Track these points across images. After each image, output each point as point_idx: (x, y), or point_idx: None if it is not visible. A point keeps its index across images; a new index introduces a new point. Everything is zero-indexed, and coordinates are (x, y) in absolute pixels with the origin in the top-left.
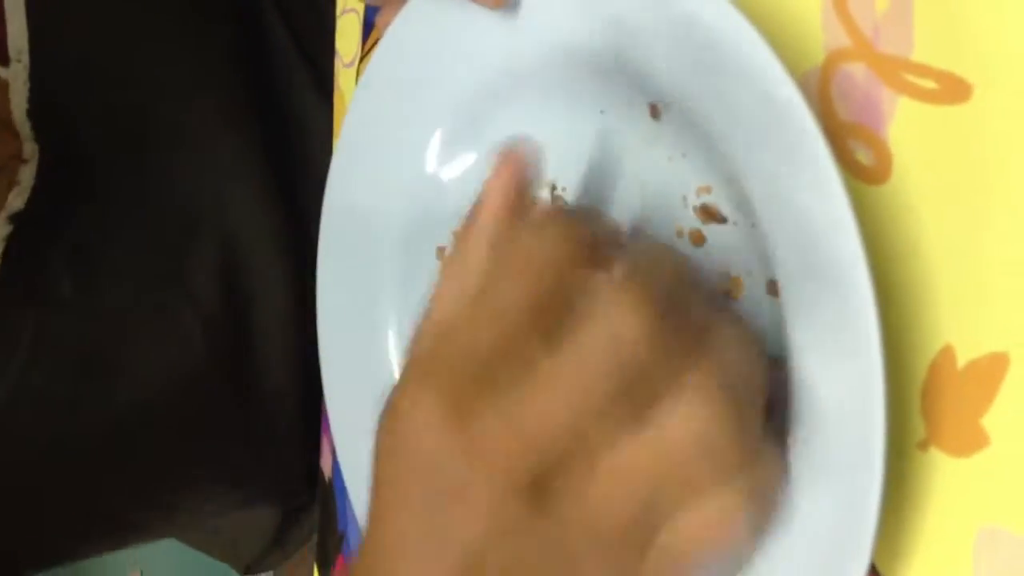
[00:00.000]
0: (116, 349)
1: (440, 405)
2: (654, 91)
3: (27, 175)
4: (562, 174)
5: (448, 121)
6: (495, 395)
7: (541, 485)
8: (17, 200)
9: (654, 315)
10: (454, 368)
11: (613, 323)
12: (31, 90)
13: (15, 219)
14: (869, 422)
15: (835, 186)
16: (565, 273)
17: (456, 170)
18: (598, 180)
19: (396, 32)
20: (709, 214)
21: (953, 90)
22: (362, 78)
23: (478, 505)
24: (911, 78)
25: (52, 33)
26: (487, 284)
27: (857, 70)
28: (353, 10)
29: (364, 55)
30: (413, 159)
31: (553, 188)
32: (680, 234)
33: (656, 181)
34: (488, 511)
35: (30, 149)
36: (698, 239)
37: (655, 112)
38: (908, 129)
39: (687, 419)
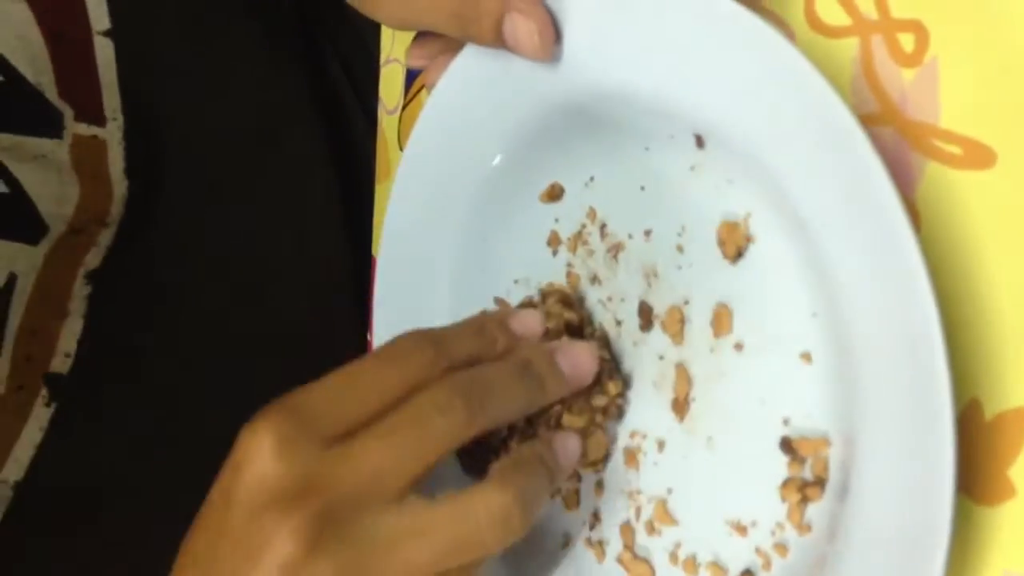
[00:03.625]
0: (197, 396)
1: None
2: (698, 122)
3: (106, 237)
4: (611, 212)
5: (496, 172)
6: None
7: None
8: (95, 260)
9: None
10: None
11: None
12: (126, 148)
13: (91, 277)
14: (937, 489)
15: (907, 239)
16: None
17: (504, 219)
18: (644, 214)
19: (444, 86)
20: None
21: (979, 156)
22: (414, 129)
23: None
24: (938, 143)
25: (145, 91)
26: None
27: (885, 134)
28: (396, 60)
29: (407, 103)
30: (464, 210)
31: (603, 227)
32: (725, 249)
33: (703, 208)
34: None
35: (116, 212)
36: (735, 257)
37: (700, 142)
38: (935, 192)
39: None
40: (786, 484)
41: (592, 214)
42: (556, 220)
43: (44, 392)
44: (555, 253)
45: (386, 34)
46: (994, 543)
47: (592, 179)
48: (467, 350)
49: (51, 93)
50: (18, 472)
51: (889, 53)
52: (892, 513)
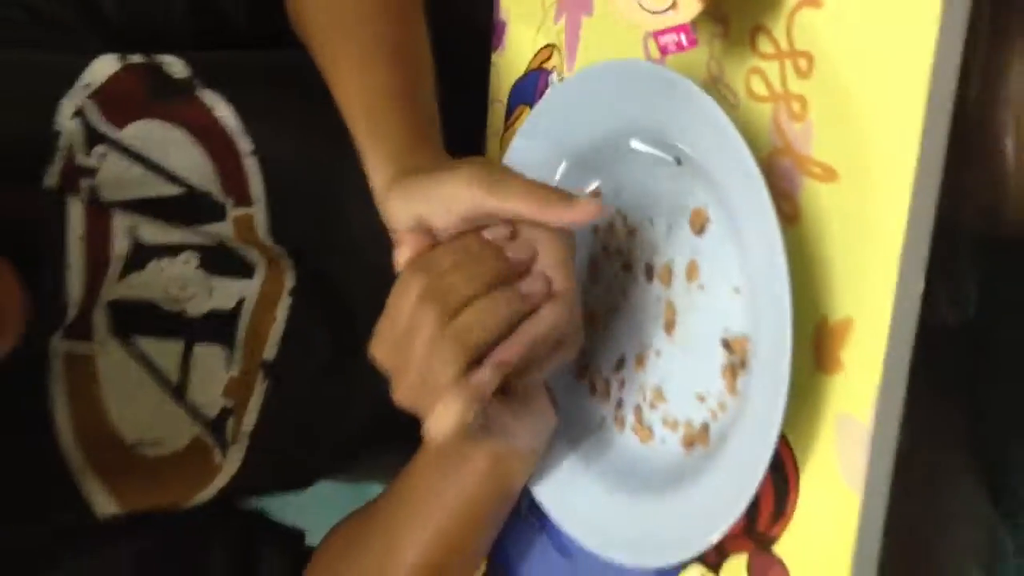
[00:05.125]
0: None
1: None
2: (676, 151)
3: (290, 269)
4: (628, 209)
5: (559, 182)
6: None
7: None
8: (291, 282)
9: None
10: None
11: None
12: (269, 219)
13: (292, 293)
14: (781, 359)
15: (773, 224)
16: None
17: None
18: (647, 209)
19: (529, 126)
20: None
21: (829, 174)
22: (507, 152)
23: None
24: (810, 166)
25: (284, 180)
26: None
27: (784, 161)
28: (499, 101)
29: (506, 130)
30: None
31: (624, 218)
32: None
33: (681, 202)
34: None
35: (290, 270)
36: (699, 228)
37: (679, 162)
38: (809, 195)
39: None
40: (725, 368)
41: (619, 209)
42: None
43: (261, 373)
44: (595, 234)
45: (493, 80)
46: (833, 397)
47: (617, 189)
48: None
49: (216, 191)
50: (249, 425)
51: (787, 112)
52: (767, 373)
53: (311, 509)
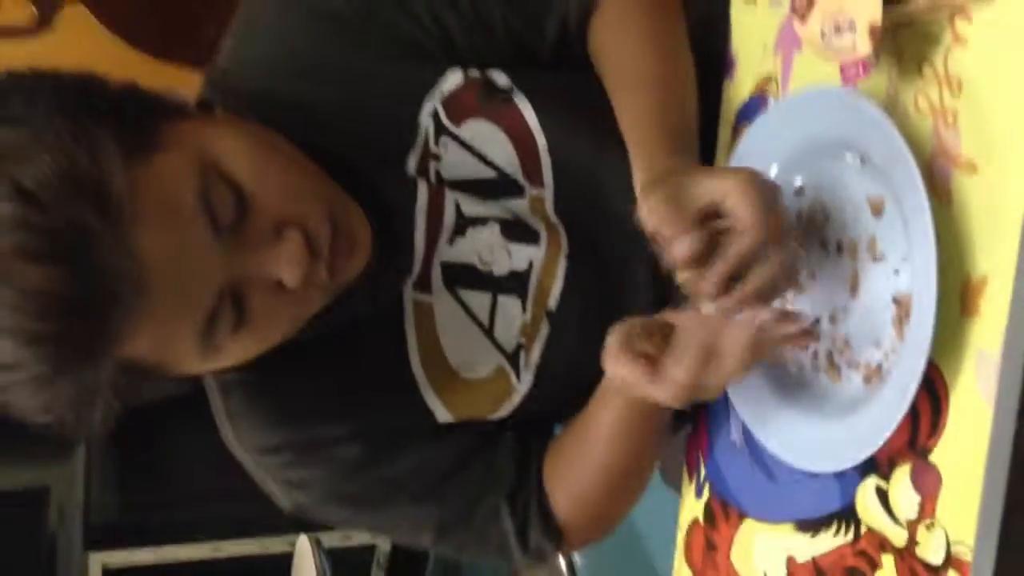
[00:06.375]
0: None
1: None
2: (861, 152)
3: (564, 240)
4: (824, 198)
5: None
6: None
7: None
8: (566, 247)
9: None
10: None
11: None
12: (555, 198)
13: (567, 259)
14: (931, 307)
15: (926, 207)
16: None
17: None
18: (839, 197)
19: (757, 128)
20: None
21: (972, 168)
22: (735, 149)
23: None
24: (958, 162)
25: (567, 170)
26: None
27: (941, 159)
28: (728, 119)
29: (733, 140)
30: None
31: (823, 206)
32: (873, 211)
33: (864, 192)
34: None
35: (564, 239)
36: (878, 211)
37: (864, 160)
38: (958, 183)
39: None
40: (895, 319)
41: (817, 199)
42: (799, 204)
43: (545, 319)
44: (799, 220)
45: (724, 103)
46: (973, 335)
47: (816, 183)
48: None
49: (518, 175)
50: (536, 357)
51: (943, 122)
52: (923, 318)
53: None
